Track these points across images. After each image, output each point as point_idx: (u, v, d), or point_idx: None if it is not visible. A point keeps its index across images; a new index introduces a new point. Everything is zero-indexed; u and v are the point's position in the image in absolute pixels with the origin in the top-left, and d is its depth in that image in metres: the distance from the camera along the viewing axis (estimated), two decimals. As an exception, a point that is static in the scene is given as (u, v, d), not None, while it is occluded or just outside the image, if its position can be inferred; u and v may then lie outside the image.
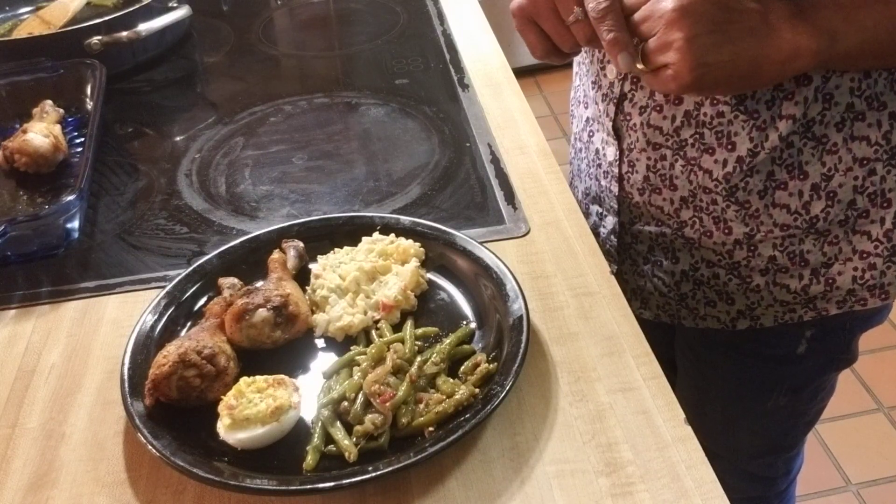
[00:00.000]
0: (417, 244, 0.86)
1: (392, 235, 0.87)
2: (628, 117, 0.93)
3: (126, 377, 0.72)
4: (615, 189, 0.99)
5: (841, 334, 1.00)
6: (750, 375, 1.05)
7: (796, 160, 0.86)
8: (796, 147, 0.85)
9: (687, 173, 0.90)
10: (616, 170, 0.97)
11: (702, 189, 0.90)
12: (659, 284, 1.01)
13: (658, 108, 0.89)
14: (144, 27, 1.25)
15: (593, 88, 0.99)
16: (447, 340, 0.75)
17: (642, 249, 1.01)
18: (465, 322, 0.79)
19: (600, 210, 1.03)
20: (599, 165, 1.00)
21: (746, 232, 0.91)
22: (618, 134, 0.95)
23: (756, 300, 0.95)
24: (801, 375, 1.04)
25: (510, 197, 0.97)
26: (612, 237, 1.02)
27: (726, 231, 0.91)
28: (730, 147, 0.86)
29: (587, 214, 1.02)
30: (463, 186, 1.00)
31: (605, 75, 0.95)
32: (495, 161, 1.04)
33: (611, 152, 0.97)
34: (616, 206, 1.00)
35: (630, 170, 0.95)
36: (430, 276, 0.84)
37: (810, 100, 0.82)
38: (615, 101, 0.93)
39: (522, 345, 0.72)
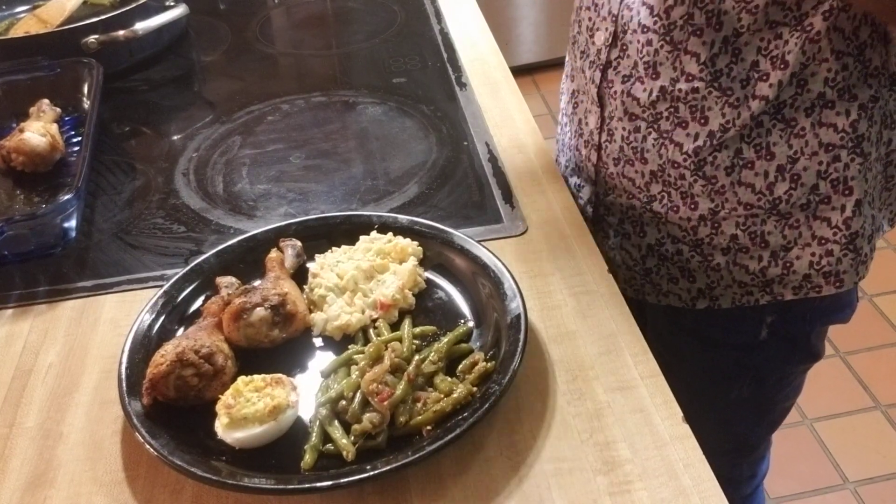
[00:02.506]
0: (415, 243, 0.86)
1: (390, 234, 0.87)
2: (611, 84, 0.94)
3: (124, 376, 0.72)
4: (594, 158, 1.00)
5: (801, 324, 1.01)
6: (714, 363, 1.06)
7: (764, 140, 0.87)
8: (765, 127, 0.87)
9: (658, 147, 0.92)
10: (596, 138, 0.99)
11: (671, 164, 0.92)
12: (626, 258, 1.02)
13: (640, 80, 0.91)
14: (141, 26, 1.25)
15: (581, 58, 1.01)
16: (445, 339, 0.75)
17: (613, 222, 1.02)
18: (462, 321, 0.79)
19: (578, 181, 1.05)
20: (581, 135, 1.02)
21: (711, 208, 0.92)
22: (601, 102, 0.97)
23: (716, 279, 0.97)
24: (765, 365, 1.05)
25: (508, 195, 0.97)
26: (588, 207, 1.03)
27: (692, 206, 0.93)
28: (703, 122, 0.88)
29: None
30: (461, 185, 1.00)
31: (593, 42, 0.96)
32: (493, 160, 1.04)
33: (593, 120, 0.99)
34: (593, 176, 1.01)
35: (609, 139, 0.97)
36: (427, 274, 0.84)
37: (784, 83, 0.84)
38: (601, 67, 0.95)
39: (520, 343, 0.72)
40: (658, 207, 0.95)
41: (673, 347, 1.09)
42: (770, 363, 1.05)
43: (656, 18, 0.87)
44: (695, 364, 1.07)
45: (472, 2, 1.47)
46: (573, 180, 1.06)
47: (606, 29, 0.93)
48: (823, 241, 0.92)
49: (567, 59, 1.09)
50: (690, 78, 0.87)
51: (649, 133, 0.92)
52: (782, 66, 0.83)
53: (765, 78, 0.84)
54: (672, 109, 0.89)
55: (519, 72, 2.41)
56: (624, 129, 0.94)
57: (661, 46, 0.87)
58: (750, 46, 0.83)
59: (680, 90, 0.88)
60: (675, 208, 0.94)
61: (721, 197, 0.91)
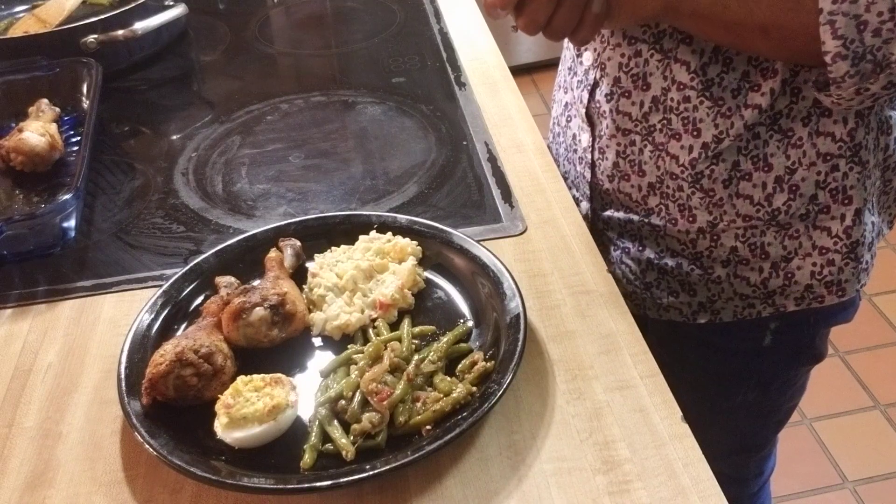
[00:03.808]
0: (414, 242, 0.86)
1: (389, 234, 0.87)
2: (598, 104, 0.95)
3: (123, 376, 0.72)
4: (588, 175, 1.00)
5: (805, 328, 1.01)
6: (719, 369, 1.06)
7: (762, 152, 0.87)
8: (762, 138, 0.86)
9: (655, 159, 0.92)
10: (589, 156, 0.99)
11: (669, 175, 0.91)
12: (626, 272, 1.02)
13: (626, 94, 0.91)
14: (140, 25, 1.25)
15: (569, 74, 1.01)
16: (444, 339, 0.75)
17: (613, 236, 1.02)
18: (462, 320, 0.79)
19: (576, 195, 1.05)
20: (575, 151, 1.03)
21: (710, 220, 0.92)
22: (591, 121, 0.97)
23: (717, 292, 0.96)
24: (769, 369, 1.05)
25: (507, 195, 0.97)
26: (586, 223, 1.03)
27: (690, 219, 0.93)
28: (695, 133, 0.88)
29: None
30: (460, 185, 1.00)
31: (580, 62, 0.96)
32: (492, 159, 1.04)
33: (585, 138, 0.99)
34: (589, 192, 1.02)
35: (601, 157, 0.97)
36: (427, 274, 0.84)
37: (777, 92, 0.83)
38: (589, 88, 0.95)
39: (519, 343, 0.72)
40: (656, 220, 0.95)
41: (675, 353, 1.08)
42: (774, 367, 1.05)
43: (645, 28, 0.87)
44: (698, 370, 1.07)
45: (472, 1, 1.47)
46: (571, 193, 1.06)
47: (595, 49, 0.93)
48: (824, 251, 0.91)
49: (559, 68, 1.09)
50: (682, 87, 0.86)
51: (645, 146, 0.92)
52: (772, 74, 0.83)
53: (756, 88, 0.84)
54: (665, 121, 0.89)
55: (518, 71, 2.41)
56: (619, 144, 0.94)
57: (652, 56, 0.87)
58: (741, 56, 0.83)
59: (672, 99, 0.88)
60: (673, 221, 0.94)
61: (719, 209, 0.91)
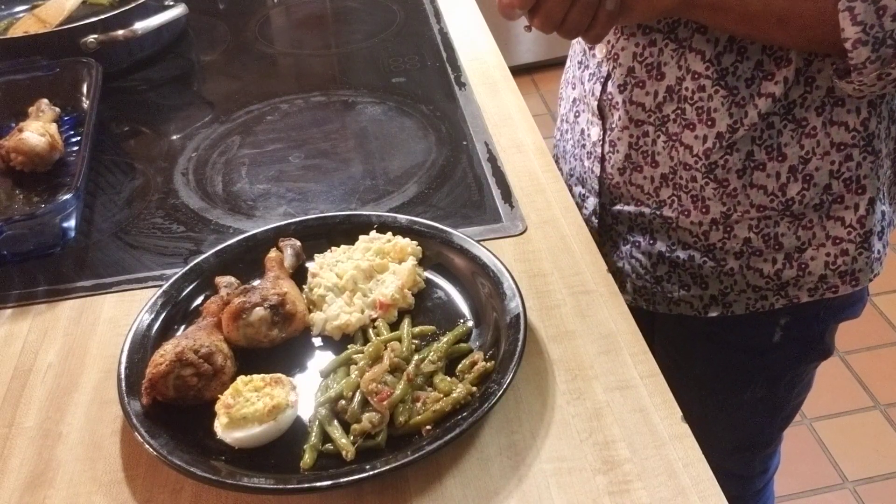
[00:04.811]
0: (414, 243, 0.86)
1: (389, 234, 0.87)
2: (610, 96, 0.95)
3: (123, 376, 0.72)
4: (597, 170, 1.00)
5: (814, 323, 1.01)
6: (727, 366, 1.06)
7: (776, 141, 0.87)
8: (776, 128, 0.87)
9: (668, 149, 0.92)
10: (599, 150, 0.99)
11: (682, 165, 0.91)
12: (636, 266, 1.02)
13: (640, 84, 0.91)
14: (141, 26, 1.25)
15: (579, 68, 1.01)
16: (444, 339, 0.75)
17: (622, 230, 1.02)
18: (462, 320, 0.79)
19: (583, 191, 1.05)
20: (584, 146, 1.02)
21: (723, 211, 0.92)
22: (602, 114, 0.97)
23: (729, 284, 0.96)
24: (778, 365, 1.05)
25: (507, 195, 0.97)
26: (594, 218, 1.03)
27: (704, 210, 0.92)
28: (710, 123, 0.88)
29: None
30: (460, 185, 1.00)
31: (593, 55, 0.96)
32: (492, 159, 1.04)
33: (595, 132, 0.99)
34: (597, 188, 1.01)
35: (611, 150, 0.97)
36: (427, 274, 0.84)
37: (791, 81, 0.84)
38: (602, 80, 0.95)
39: (519, 343, 0.72)
40: (668, 212, 0.95)
41: (684, 350, 1.08)
42: (784, 364, 1.05)
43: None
44: (707, 366, 1.07)
45: (472, 1, 1.47)
46: (577, 190, 1.06)
47: (608, 41, 0.93)
48: (838, 241, 0.92)
49: (568, 65, 1.09)
50: (696, 76, 0.87)
51: (658, 136, 0.92)
52: (786, 63, 0.83)
53: (770, 77, 0.84)
54: (679, 111, 0.89)
55: (518, 71, 2.41)
56: (631, 136, 0.94)
57: (666, 45, 0.87)
58: (755, 45, 0.83)
59: (687, 88, 0.88)
60: (686, 212, 0.94)
61: (733, 200, 0.91)
